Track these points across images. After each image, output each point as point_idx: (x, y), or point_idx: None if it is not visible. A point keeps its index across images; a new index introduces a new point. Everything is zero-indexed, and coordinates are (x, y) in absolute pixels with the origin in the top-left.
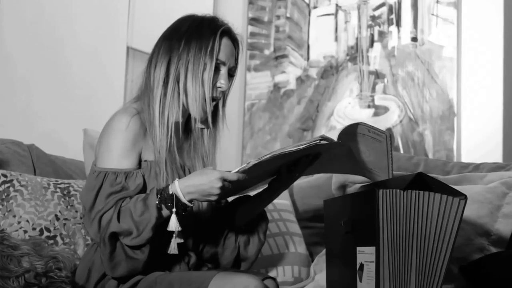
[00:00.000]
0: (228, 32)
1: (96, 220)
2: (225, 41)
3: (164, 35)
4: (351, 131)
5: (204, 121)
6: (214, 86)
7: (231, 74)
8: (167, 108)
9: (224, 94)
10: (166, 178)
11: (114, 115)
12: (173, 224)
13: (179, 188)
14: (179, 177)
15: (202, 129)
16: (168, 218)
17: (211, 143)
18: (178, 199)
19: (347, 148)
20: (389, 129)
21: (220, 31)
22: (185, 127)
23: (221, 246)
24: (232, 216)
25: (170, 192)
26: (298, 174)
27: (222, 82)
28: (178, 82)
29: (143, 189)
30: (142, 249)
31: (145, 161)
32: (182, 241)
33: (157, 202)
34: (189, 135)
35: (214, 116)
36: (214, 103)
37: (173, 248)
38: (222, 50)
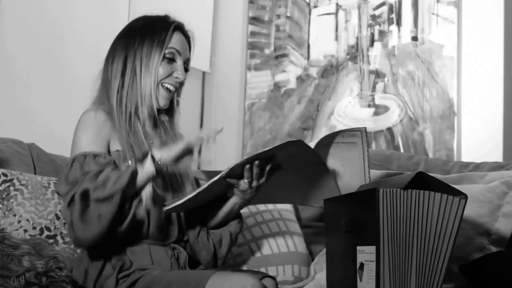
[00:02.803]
0: (180, 28)
1: (69, 196)
2: (178, 35)
3: (119, 34)
4: (327, 142)
5: (162, 112)
6: (171, 76)
7: (186, 68)
8: (125, 98)
9: (180, 86)
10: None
11: (81, 115)
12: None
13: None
14: None
15: (165, 120)
16: (142, 185)
17: (172, 133)
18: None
19: (321, 169)
20: (390, 129)
21: (172, 26)
22: (154, 119)
23: (197, 243)
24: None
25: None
26: (257, 182)
27: (179, 73)
28: (135, 74)
29: None
30: (111, 201)
31: (116, 150)
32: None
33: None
34: (157, 126)
35: (170, 108)
36: (171, 94)
37: (141, 210)
38: (176, 41)
